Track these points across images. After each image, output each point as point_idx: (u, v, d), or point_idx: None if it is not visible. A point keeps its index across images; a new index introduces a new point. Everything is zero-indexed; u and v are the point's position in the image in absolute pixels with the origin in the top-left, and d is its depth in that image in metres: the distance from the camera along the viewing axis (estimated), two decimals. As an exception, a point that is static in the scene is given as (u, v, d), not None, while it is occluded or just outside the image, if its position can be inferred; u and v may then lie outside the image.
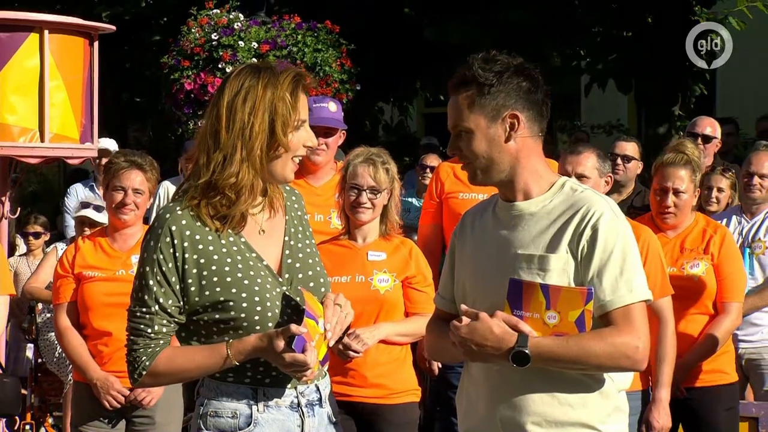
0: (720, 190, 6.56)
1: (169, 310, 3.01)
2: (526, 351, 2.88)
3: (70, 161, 6.62)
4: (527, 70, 3.05)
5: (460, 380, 3.24)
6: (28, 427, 7.49)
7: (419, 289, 4.68)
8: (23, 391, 7.34)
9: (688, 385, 5.10)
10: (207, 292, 3.00)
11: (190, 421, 3.88)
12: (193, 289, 3.01)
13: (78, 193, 8.60)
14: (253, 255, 3.06)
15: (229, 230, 3.05)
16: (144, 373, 3.03)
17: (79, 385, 5.05)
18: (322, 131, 5.28)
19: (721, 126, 7.64)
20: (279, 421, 3.05)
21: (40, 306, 7.67)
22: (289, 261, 3.13)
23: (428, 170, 8.60)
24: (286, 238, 3.16)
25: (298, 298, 3.04)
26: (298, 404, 3.08)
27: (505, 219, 3.08)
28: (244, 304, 2.99)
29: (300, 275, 3.12)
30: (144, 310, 3.02)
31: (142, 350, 3.02)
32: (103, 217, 7.35)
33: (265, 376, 3.05)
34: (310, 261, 3.17)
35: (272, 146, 3.02)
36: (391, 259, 4.67)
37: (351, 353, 4.47)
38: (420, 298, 4.67)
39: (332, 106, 5.51)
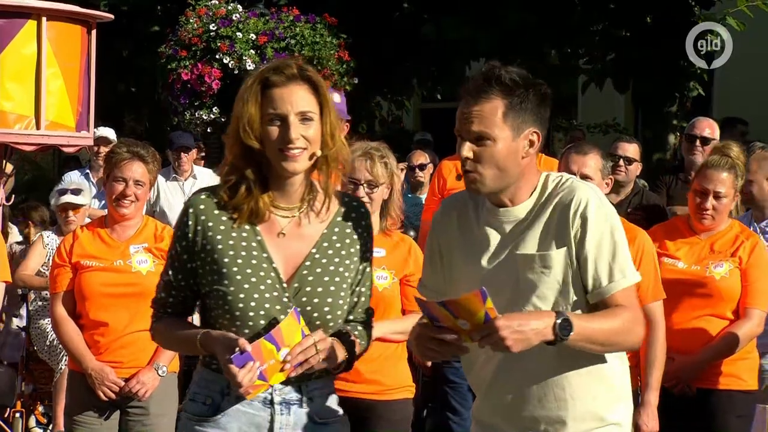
0: None
1: (174, 284, 3.17)
2: (569, 318, 2.89)
3: (65, 149, 6.58)
4: (542, 86, 3.08)
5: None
6: (18, 415, 7.46)
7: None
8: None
9: (703, 386, 5.00)
10: (208, 278, 3.09)
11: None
12: (200, 271, 3.11)
13: (73, 181, 8.55)
14: (264, 255, 3.07)
15: (247, 225, 3.08)
16: (152, 332, 3.28)
17: (74, 374, 5.02)
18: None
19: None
20: (248, 414, 3.10)
21: (32, 294, 7.64)
22: (305, 272, 3.10)
23: (417, 169, 8.56)
24: (313, 250, 3.12)
25: (282, 317, 3.02)
26: (271, 401, 3.11)
27: (495, 222, 3.12)
28: (230, 297, 3.04)
29: (308, 289, 3.09)
30: (163, 277, 3.22)
31: (153, 311, 3.26)
32: (82, 199, 7.38)
33: None
34: (329, 283, 3.11)
35: (245, 145, 3.05)
36: (390, 256, 4.63)
37: None
38: (417, 296, 4.63)
39: (336, 97, 5.48)
